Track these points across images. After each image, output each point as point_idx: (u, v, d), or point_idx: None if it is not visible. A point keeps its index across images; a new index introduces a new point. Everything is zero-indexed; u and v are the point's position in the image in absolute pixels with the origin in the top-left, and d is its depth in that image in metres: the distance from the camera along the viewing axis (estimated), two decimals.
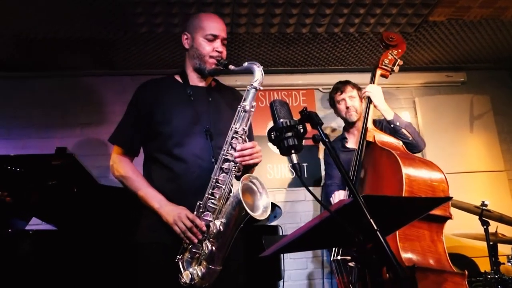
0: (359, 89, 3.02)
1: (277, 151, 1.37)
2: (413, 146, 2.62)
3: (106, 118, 3.74)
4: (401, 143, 2.53)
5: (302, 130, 1.36)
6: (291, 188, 3.81)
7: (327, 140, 1.33)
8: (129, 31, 3.18)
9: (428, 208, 1.51)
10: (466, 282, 2.02)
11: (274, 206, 3.16)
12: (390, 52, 2.67)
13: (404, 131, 2.61)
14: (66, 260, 2.38)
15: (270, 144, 3.83)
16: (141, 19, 3.04)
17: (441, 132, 4.01)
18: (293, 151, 1.34)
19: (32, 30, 3.09)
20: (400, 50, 2.69)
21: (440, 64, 4.13)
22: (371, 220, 1.11)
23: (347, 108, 2.94)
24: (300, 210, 3.77)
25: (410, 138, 2.61)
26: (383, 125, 2.79)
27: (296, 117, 1.40)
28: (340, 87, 3.02)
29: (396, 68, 2.68)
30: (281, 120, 1.37)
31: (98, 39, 3.26)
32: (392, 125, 2.63)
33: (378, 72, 2.69)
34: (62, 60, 3.61)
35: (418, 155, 3.86)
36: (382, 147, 2.37)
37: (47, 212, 2.84)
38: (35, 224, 3.07)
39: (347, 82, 3.04)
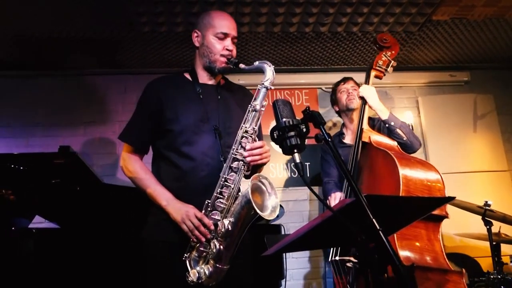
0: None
1: (280, 150, 1.37)
2: (407, 147, 2.64)
3: (109, 117, 3.74)
4: (396, 143, 2.56)
5: (304, 130, 1.36)
6: (293, 187, 3.81)
7: (329, 139, 1.33)
8: (132, 30, 3.18)
9: (431, 208, 1.51)
10: (464, 280, 2.03)
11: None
12: (384, 53, 2.71)
13: (398, 131, 2.63)
14: (69, 259, 2.39)
15: (272, 143, 3.86)
16: (144, 18, 3.04)
17: (444, 131, 4.00)
18: (295, 151, 1.34)
19: (36, 30, 3.10)
20: (393, 52, 2.73)
21: (444, 64, 4.12)
22: (373, 219, 1.10)
23: (349, 93, 2.99)
24: (302, 209, 3.77)
25: (405, 138, 2.63)
26: (380, 124, 2.79)
27: (299, 116, 1.40)
28: (343, 79, 3.12)
29: (390, 69, 2.73)
30: (284, 119, 1.37)
31: (101, 38, 3.27)
32: (387, 125, 2.65)
33: (373, 73, 2.74)
34: (65, 60, 3.61)
35: (418, 154, 3.86)
36: (378, 148, 2.38)
37: (50, 211, 2.85)
38: (38, 222, 3.08)
39: (351, 78, 3.13)
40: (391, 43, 2.73)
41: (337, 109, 3.15)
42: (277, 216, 3.35)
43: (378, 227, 1.10)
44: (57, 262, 2.36)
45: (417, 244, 2.11)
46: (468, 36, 3.58)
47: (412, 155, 2.55)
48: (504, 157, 4.01)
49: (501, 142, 4.04)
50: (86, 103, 3.78)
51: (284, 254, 2.99)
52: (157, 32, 3.22)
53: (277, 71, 4.00)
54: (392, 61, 2.70)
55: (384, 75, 2.74)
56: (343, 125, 3.12)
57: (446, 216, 2.20)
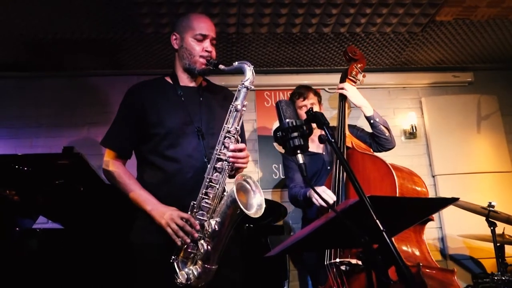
0: (319, 96, 3.06)
1: (283, 151, 1.37)
2: (389, 142, 2.71)
3: (113, 118, 3.72)
4: (370, 149, 2.62)
5: (307, 131, 1.37)
6: None
7: (333, 140, 1.33)
8: (135, 31, 3.19)
9: (435, 209, 1.50)
10: (456, 278, 2.05)
11: (279, 206, 3.16)
12: (355, 65, 2.82)
13: (382, 127, 2.69)
14: (73, 259, 2.40)
15: (275, 144, 3.86)
16: (147, 20, 3.05)
17: (448, 132, 3.99)
18: (299, 151, 1.34)
19: (40, 31, 3.12)
20: (362, 65, 2.84)
21: (447, 64, 4.11)
22: (377, 220, 1.10)
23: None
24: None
25: (387, 134, 2.71)
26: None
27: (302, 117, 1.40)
28: (303, 92, 2.96)
29: (361, 80, 2.82)
30: (287, 120, 1.37)
31: (105, 39, 3.28)
32: (371, 121, 2.70)
33: (347, 81, 2.79)
34: (70, 61, 3.63)
35: (421, 155, 3.87)
36: (364, 152, 2.41)
37: (54, 211, 2.86)
38: (42, 223, 3.09)
39: (309, 88, 3.01)
40: (359, 57, 2.84)
41: None
42: (280, 217, 3.35)
43: (381, 228, 1.10)
44: (60, 262, 2.37)
45: (409, 245, 2.17)
46: (471, 37, 3.57)
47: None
48: (508, 158, 3.99)
49: (505, 143, 4.03)
50: (90, 104, 3.80)
51: (287, 255, 2.99)
52: (161, 34, 3.23)
53: (279, 72, 4.07)
54: (362, 73, 2.82)
55: (356, 85, 2.81)
56: None
57: (431, 219, 2.24)
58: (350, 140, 2.52)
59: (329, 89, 4.06)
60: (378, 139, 2.69)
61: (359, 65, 2.81)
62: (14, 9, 2.84)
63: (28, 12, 2.88)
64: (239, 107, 1.80)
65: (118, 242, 2.50)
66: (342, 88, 2.72)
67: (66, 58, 3.58)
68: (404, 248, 2.13)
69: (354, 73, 2.78)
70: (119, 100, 1.82)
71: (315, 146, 2.87)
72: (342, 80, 2.80)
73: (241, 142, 1.83)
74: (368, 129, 2.78)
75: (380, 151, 2.74)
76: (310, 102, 2.97)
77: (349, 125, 2.94)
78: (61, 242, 2.45)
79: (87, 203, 2.76)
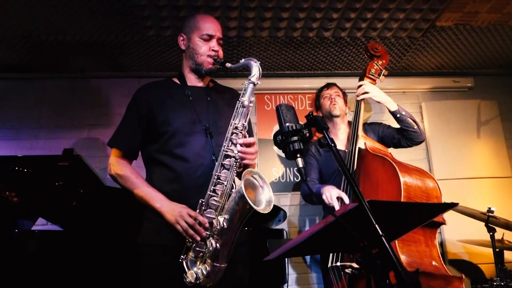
0: (344, 93, 3.12)
1: (282, 154, 1.38)
2: (418, 135, 2.68)
3: (113, 120, 3.76)
4: (388, 150, 2.58)
5: (307, 135, 1.37)
6: (296, 192, 3.80)
7: (332, 144, 1.34)
8: (137, 34, 3.20)
9: (434, 214, 1.50)
10: (464, 286, 2.03)
11: (279, 209, 3.16)
12: (375, 62, 2.77)
13: (409, 120, 2.67)
14: (72, 261, 2.40)
15: (275, 148, 3.87)
16: (149, 23, 3.06)
17: (447, 137, 3.99)
18: (298, 155, 1.35)
19: (42, 32, 3.12)
20: (384, 61, 2.78)
21: (447, 69, 4.11)
22: (376, 225, 1.11)
23: (332, 99, 2.99)
24: (305, 214, 3.77)
25: (415, 127, 2.68)
26: (367, 129, 2.82)
27: (302, 121, 1.40)
28: (327, 85, 3.15)
29: (381, 78, 2.77)
30: (287, 124, 1.37)
31: (106, 42, 3.28)
32: (397, 115, 2.67)
33: (366, 81, 2.76)
34: (71, 62, 3.63)
35: (421, 160, 3.87)
36: (375, 154, 2.38)
37: (53, 213, 2.86)
38: (41, 224, 3.09)
39: (334, 84, 3.16)
40: (382, 53, 2.80)
41: (320, 114, 3.15)
42: (279, 221, 3.36)
43: (380, 233, 1.10)
44: (59, 264, 2.37)
45: (417, 249, 2.12)
46: (472, 42, 3.58)
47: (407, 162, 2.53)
48: (508, 163, 3.99)
49: (505, 148, 4.03)
50: (91, 106, 3.80)
51: (286, 258, 2.99)
52: (162, 36, 3.24)
53: (280, 75, 4.08)
54: (384, 70, 2.77)
55: (375, 83, 2.78)
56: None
57: (443, 223, 2.20)
58: (364, 141, 2.50)
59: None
60: (406, 133, 2.65)
61: (380, 62, 2.75)
62: (16, 11, 2.85)
63: (30, 14, 2.89)
64: (246, 103, 1.80)
65: (118, 244, 2.50)
66: (363, 92, 2.69)
67: (68, 60, 3.59)
68: (411, 252, 2.09)
69: (373, 71, 2.74)
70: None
71: (339, 143, 2.88)
72: (361, 79, 2.77)
73: (250, 137, 1.83)
74: (395, 124, 2.75)
75: (410, 146, 2.72)
76: (333, 91, 3.04)
77: (374, 123, 2.94)
78: (60, 244, 2.45)
79: (86, 205, 2.76)
